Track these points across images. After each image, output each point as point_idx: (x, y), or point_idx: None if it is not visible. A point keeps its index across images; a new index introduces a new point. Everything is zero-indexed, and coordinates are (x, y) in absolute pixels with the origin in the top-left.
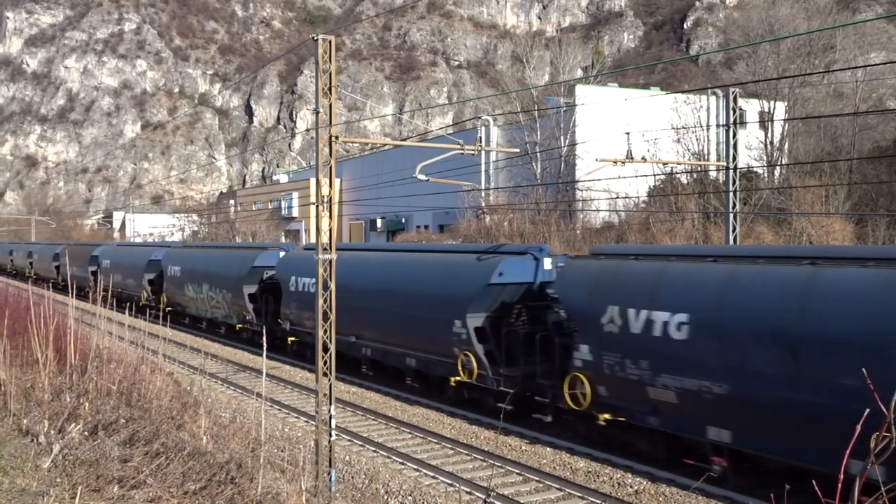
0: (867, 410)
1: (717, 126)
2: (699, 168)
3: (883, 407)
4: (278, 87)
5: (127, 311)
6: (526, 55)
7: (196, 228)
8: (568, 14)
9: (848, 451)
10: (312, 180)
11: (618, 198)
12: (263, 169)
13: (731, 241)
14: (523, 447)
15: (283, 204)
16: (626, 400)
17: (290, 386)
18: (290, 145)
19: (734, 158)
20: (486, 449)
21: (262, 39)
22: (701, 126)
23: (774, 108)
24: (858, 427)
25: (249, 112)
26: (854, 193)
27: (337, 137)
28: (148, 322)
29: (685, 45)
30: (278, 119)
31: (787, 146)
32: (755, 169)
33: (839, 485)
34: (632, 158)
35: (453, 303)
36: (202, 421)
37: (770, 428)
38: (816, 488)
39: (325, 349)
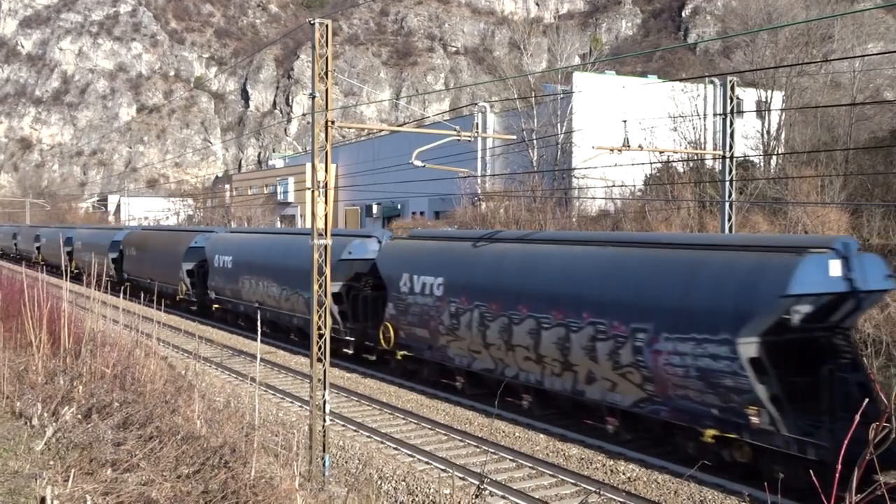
0: (866, 400)
1: (714, 115)
2: (696, 157)
3: (885, 399)
4: (274, 71)
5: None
6: (523, 42)
7: (191, 213)
8: (566, 1)
9: (846, 441)
10: (308, 165)
11: (614, 186)
12: (259, 153)
13: (727, 230)
14: (517, 434)
15: (279, 189)
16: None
17: (284, 371)
18: (286, 130)
19: (731, 147)
20: (479, 435)
21: (259, 23)
22: (698, 115)
23: (771, 97)
24: (866, 416)
25: (245, 96)
26: (850, 184)
27: (333, 122)
28: (104, 294)
29: (683, 34)
30: (274, 103)
31: (783, 136)
32: (751, 158)
33: (836, 475)
34: (628, 146)
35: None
36: (196, 405)
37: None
38: (814, 479)
39: (320, 334)
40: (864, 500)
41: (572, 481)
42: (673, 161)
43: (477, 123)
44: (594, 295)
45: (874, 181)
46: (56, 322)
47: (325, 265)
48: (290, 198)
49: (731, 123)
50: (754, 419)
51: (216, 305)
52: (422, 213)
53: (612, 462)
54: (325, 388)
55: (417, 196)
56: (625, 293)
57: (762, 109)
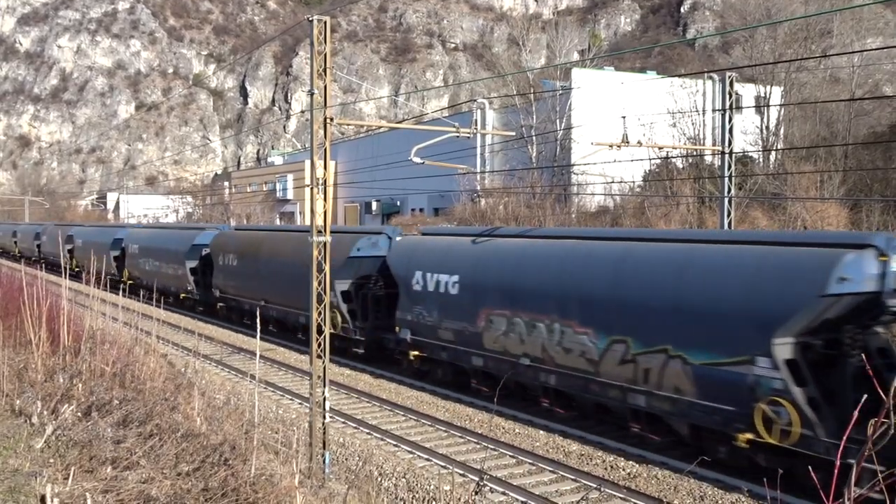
0: (864, 396)
1: (713, 110)
2: (695, 152)
3: (883, 394)
4: (273, 68)
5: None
6: (522, 38)
7: (190, 210)
8: None
9: (845, 437)
10: (307, 162)
11: (613, 182)
12: (258, 151)
13: (726, 226)
14: (517, 430)
15: (278, 186)
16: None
17: (284, 368)
18: (284, 127)
19: (730, 143)
20: (479, 432)
21: (257, 20)
22: (697, 110)
23: (770, 92)
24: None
25: (244, 93)
26: (849, 179)
27: (332, 119)
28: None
29: (682, 29)
30: (273, 100)
31: (782, 131)
32: (750, 154)
33: (835, 471)
34: (627, 142)
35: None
36: (196, 403)
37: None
38: (813, 475)
39: (319, 331)
40: (863, 496)
41: (572, 477)
42: (672, 157)
43: (476, 120)
44: None
45: (873, 176)
46: (55, 320)
47: (325, 262)
48: (290, 195)
49: (730, 119)
50: None
51: (415, 352)
52: (421, 210)
53: (612, 458)
54: (324, 385)
55: (417, 193)
56: None
57: (761, 105)
